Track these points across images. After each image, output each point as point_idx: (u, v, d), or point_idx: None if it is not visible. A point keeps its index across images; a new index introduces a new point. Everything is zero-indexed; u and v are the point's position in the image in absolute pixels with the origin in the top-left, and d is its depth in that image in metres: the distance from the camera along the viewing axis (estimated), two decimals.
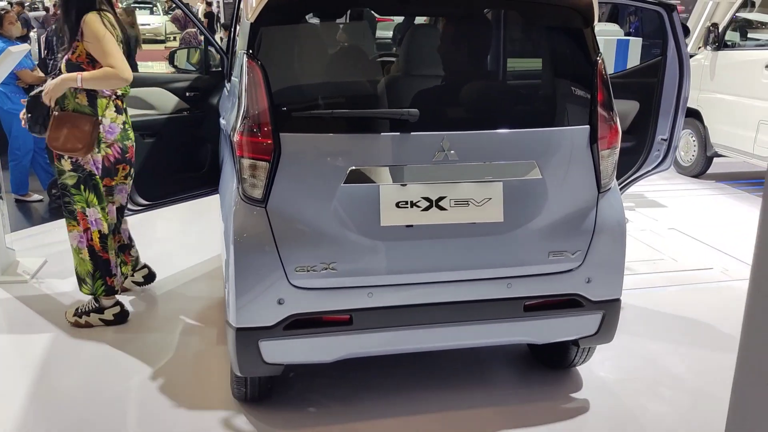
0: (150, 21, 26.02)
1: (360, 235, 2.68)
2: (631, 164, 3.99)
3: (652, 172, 4.12)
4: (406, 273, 2.75)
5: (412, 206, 2.69)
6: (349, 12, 4.20)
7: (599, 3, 2.99)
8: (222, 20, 11.00)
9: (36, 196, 6.50)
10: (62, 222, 3.92)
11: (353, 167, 2.63)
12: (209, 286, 4.50)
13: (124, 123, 3.73)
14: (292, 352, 2.77)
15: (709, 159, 7.51)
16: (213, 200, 3.76)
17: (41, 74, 6.26)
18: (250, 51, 2.61)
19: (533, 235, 2.82)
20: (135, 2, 27.96)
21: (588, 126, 2.84)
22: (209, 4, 21.40)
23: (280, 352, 2.74)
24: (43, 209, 6.34)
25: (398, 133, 2.66)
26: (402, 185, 2.68)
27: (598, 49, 2.91)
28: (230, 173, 2.84)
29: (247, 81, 2.60)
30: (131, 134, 3.78)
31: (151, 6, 27.70)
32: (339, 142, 2.66)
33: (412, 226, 2.71)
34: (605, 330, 3.00)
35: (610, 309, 2.99)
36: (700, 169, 7.57)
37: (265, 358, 2.72)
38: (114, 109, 3.66)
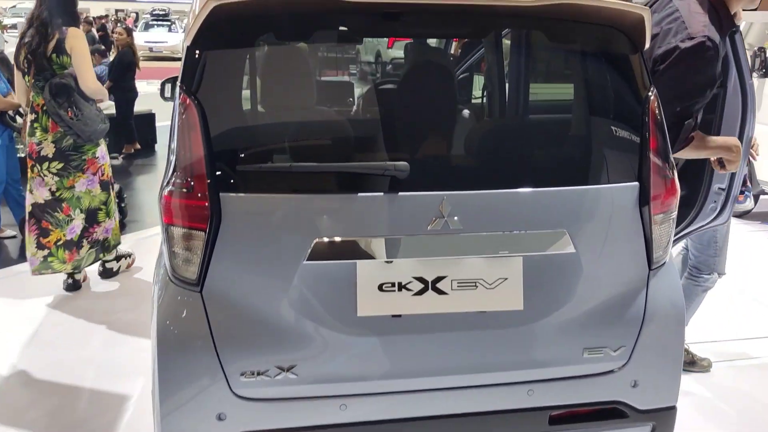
0: (167, 38, 25.90)
1: (329, 330, 2.04)
2: (681, 218, 3.30)
3: (706, 227, 3.41)
4: (392, 378, 2.12)
5: (400, 289, 2.06)
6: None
7: None
8: None
9: (9, 232, 5.92)
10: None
11: (319, 239, 1.98)
12: None
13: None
14: None
15: (755, 197, 6.88)
16: None
17: (15, 100, 5.66)
18: (184, 84, 1.97)
19: (562, 327, 2.20)
20: (153, 19, 27.92)
21: (637, 183, 2.22)
22: None
23: None
24: (15, 247, 5.75)
25: (381, 194, 2.02)
26: (387, 262, 2.05)
27: (651, 81, 2.24)
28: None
29: (179, 122, 1.96)
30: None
31: (169, 24, 27.57)
32: (300, 205, 2.02)
33: (400, 316, 2.08)
34: None
35: (662, 420, 2.37)
36: (746, 209, 6.94)
37: None
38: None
